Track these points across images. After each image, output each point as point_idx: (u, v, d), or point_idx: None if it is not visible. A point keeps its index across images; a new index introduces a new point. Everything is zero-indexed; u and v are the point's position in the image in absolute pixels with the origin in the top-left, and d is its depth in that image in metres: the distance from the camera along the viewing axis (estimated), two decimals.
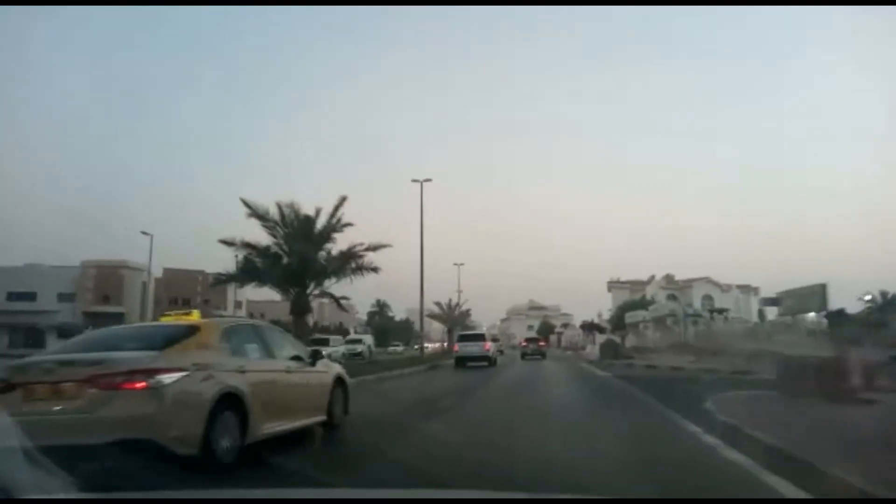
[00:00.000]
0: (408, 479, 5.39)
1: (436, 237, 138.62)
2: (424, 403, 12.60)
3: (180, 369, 5.56)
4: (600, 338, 60.51)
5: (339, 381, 8.65)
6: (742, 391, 11.51)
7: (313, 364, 8.02)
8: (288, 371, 7.32)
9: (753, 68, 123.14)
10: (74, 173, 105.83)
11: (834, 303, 29.34)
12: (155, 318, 54.78)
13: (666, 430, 8.21)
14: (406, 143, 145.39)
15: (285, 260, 20.52)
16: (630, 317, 61.97)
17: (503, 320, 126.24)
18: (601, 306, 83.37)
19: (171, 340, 6.06)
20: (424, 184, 36.47)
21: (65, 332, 55.18)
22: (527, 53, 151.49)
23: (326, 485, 4.96)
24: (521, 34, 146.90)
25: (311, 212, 20.92)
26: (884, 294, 51.83)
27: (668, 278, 76.59)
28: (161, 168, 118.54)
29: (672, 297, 64.27)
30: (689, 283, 72.79)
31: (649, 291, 73.78)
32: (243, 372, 6.29)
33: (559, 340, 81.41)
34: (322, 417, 7.99)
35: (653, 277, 79.25)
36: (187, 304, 69.38)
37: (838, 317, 34.35)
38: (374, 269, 21.44)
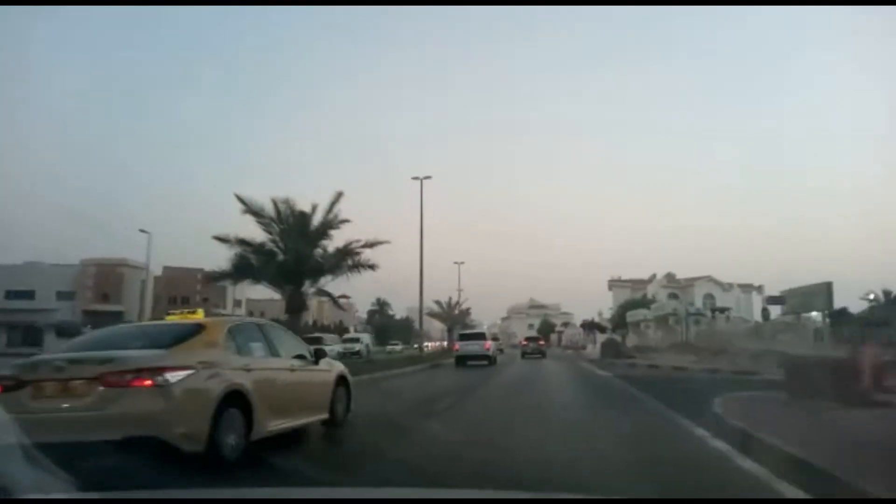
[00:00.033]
0: (410, 477, 5.37)
1: (437, 237, 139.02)
2: (422, 403, 12.29)
3: (187, 367, 5.63)
4: (601, 337, 60.32)
5: (341, 379, 8.70)
6: (749, 392, 11.14)
7: (316, 362, 8.09)
8: (292, 369, 7.37)
9: (753, 68, 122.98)
10: (74, 172, 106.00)
11: (836, 302, 29.03)
12: (154, 317, 54.86)
13: (672, 434, 7.82)
14: (406, 143, 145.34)
15: (280, 257, 20.09)
16: (631, 316, 61.69)
17: (504, 319, 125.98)
18: (602, 305, 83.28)
19: (177, 339, 6.14)
20: (425, 183, 36.46)
21: (63, 331, 54.92)
22: (527, 53, 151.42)
23: (327, 484, 4.94)
24: (521, 34, 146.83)
25: (307, 208, 20.51)
26: (887, 293, 51.43)
27: (670, 277, 76.03)
28: (161, 167, 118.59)
29: (673, 296, 63.96)
30: (690, 282, 72.26)
31: (650, 290, 73.29)
32: (248, 370, 6.36)
33: (559, 339, 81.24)
34: (325, 415, 8.05)
35: (654, 276, 78.72)
36: (186, 303, 69.13)
37: (840, 316, 34.04)
38: (372, 267, 20.99)
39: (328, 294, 22.30)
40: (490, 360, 29.45)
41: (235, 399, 5.94)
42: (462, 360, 28.63)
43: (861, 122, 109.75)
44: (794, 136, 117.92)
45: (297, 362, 7.56)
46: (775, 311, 31.68)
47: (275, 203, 20.07)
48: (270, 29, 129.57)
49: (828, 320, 28.16)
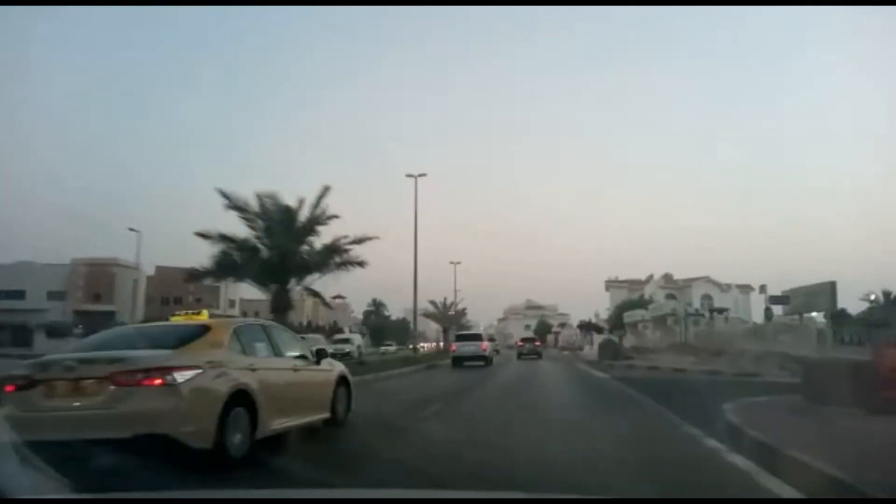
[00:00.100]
0: (406, 478, 5.34)
1: (435, 237, 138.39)
2: (417, 405, 11.68)
3: (195, 367, 5.74)
4: (598, 338, 59.60)
5: (342, 379, 8.85)
6: (760, 397, 10.36)
7: (318, 363, 8.23)
8: (294, 369, 7.50)
9: (753, 68, 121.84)
10: (73, 172, 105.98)
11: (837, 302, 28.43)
12: (146, 317, 54.04)
13: (683, 447, 6.96)
14: (406, 143, 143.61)
15: (264, 253, 19.26)
16: (629, 316, 61.03)
17: (500, 320, 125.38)
18: (598, 306, 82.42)
19: (184, 339, 6.26)
20: (423, 183, 36.25)
21: (53, 332, 54.15)
22: (527, 53, 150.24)
23: (326, 483, 4.98)
24: (521, 34, 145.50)
25: (292, 203, 19.66)
26: (887, 294, 51.00)
27: (667, 277, 75.41)
28: (159, 167, 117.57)
29: (671, 297, 63.30)
30: (688, 283, 71.65)
31: (648, 291, 72.68)
32: (253, 370, 6.47)
33: (556, 340, 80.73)
34: (326, 415, 8.18)
35: (651, 277, 78.13)
36: (179, 303, 68.28)
37: (840, 317, 33.47)
38: (360, 264, 20.18)
39: (316, 293, 21.48)
40: (486, 360, 29.74)
41: (241, 398, 6.06)
42: (459, 361, 29.06)
43: (861, 122, 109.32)
44: (794, 136, 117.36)
45: (299, 362, 7.71)
46: (777, 311, 30.90)
47: (259, 198, 19.27)
48: (270, 29, 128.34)
49: (829, 321, 27.51)
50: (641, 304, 62.65)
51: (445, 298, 64.07)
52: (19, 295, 65.14)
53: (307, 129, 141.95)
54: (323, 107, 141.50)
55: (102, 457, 4.92)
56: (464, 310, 69.75)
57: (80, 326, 57.81)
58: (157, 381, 5.47)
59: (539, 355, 42.28)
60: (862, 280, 71.87)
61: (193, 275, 20.43)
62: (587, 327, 75.85)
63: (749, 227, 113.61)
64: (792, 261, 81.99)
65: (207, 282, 22.95)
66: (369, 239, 20.34)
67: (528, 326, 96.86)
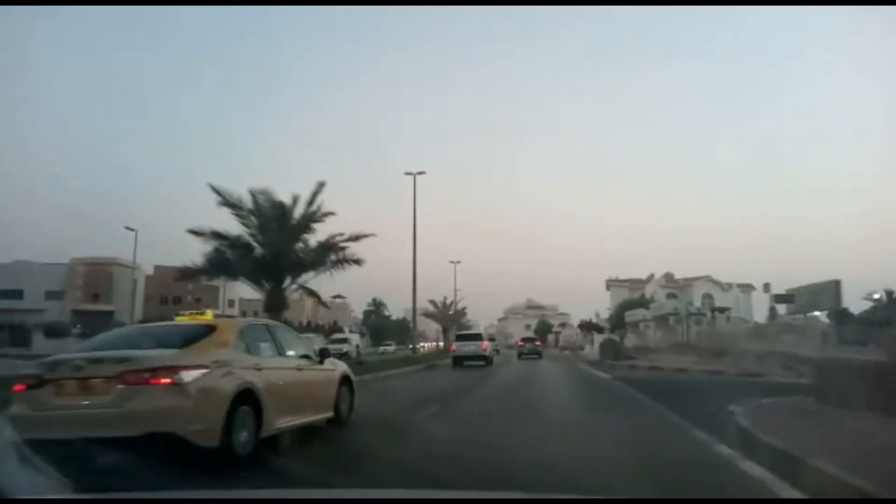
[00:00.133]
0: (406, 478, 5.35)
1: (435, 236, 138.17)
2: (417, 405, 11.39)
3: (202, 366, 5.80)
4: (598, 337, 59.22)
5: (345, 379, 8.93)
6: (771, 399, 9.95)
7: (321, 362, 8.31)
8: (299, 369, 7.60)
9: (753, 68, 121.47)
10: (71, 172, 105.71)
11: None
12: (144, 317, 53.70)
13: (693, 453, 6.49)
14: (406, 142, 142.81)
15: (258, 251, 18.84)
16: (630, 315, 60.64)
17: (500, 320, 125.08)
18: (599, 305, 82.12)
19: (191, 339, 6.32)
20: (423, 183, 36.67)
21: (51, 332, 53.88)
22: (527, 53, 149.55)
23: (327, 482, 5.01)
24: (521, 34, 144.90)
25: (287, 199, 19.23)
26: (889, 293, 50.68)
27: (668, 277, 75.02)
28: (159, 167, 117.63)
29: (672, 296, 62.94)
30: (689, 282, 71.26)
31: (649, 290, 72.27)
32: (259, 369, 6.54)
33: (556, 340, 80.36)
34: (329, 414, 8.27)
35: (652, 276, 77.72)
36: (178, 303, 67.93)
37: (842, 316, 33.12)
38: (357, 262, 19.78)
39: (312, 291, 21.04)
40: (486, 360, 29.77)
41: (247, 397, 6.12)
42: (459, 361, 29.10)
43: (861, 122, 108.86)
44: (794, 136, 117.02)
45: (303, 362, 7.81)
46: (780, 310, 30.60)
47: (253, 194, 18.84)
48: (270, 29, 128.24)
49: (832, 320, 27.17)
50: (642, 303, 62.25)
51: (445, 298, 63.83)
52: (17, 294, 64.90)
53: (307, 129, 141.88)
54: (323, 106, 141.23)
55: (104, 456, 4.96)
56: (464, 309, 69.46)
57: (79, 326, 57.59)
58: (165, 381, 5.54)
59: (539, 355, 42.05)
60: (862, 280, 71.33)
61: (186, 273, 20.02)
62: (588, 327, 75.53)
63: (749, 227, 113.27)
64: (793, 261, 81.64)
65: (201, 280, 22.53)
66: (366, 236, 19.99)
67: (528, 326, 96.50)
